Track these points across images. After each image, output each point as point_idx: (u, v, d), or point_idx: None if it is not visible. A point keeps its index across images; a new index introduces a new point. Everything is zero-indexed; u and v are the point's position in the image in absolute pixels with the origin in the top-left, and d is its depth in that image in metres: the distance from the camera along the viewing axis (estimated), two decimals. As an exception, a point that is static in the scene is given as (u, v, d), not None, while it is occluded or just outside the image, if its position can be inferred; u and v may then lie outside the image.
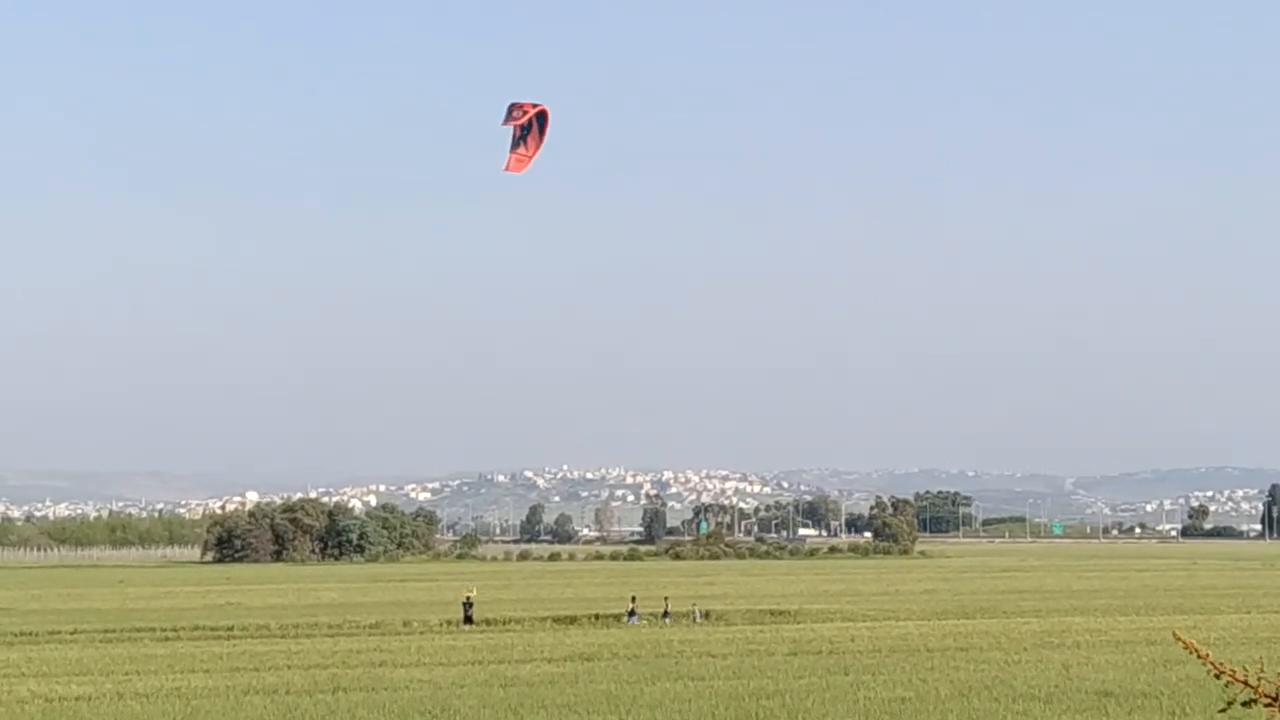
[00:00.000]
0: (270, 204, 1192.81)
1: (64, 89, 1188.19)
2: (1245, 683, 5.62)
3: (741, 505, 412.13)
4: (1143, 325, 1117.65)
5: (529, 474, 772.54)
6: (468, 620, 68.73)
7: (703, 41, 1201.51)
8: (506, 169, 33.51)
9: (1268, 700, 5.61)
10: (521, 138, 33.58)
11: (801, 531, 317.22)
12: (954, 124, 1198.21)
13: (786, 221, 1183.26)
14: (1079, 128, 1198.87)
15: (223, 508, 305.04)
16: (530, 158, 33.56)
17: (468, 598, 71.49)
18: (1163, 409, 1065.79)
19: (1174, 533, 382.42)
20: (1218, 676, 5.67)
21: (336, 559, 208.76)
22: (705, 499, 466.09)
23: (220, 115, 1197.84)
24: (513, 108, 33.56)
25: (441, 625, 69.27)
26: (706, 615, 72.45)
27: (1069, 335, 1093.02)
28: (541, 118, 33.68)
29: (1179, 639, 6.08)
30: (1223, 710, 5.83)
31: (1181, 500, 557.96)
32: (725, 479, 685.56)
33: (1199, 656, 5.86)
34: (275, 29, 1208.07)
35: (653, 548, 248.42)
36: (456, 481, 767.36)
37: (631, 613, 71.32)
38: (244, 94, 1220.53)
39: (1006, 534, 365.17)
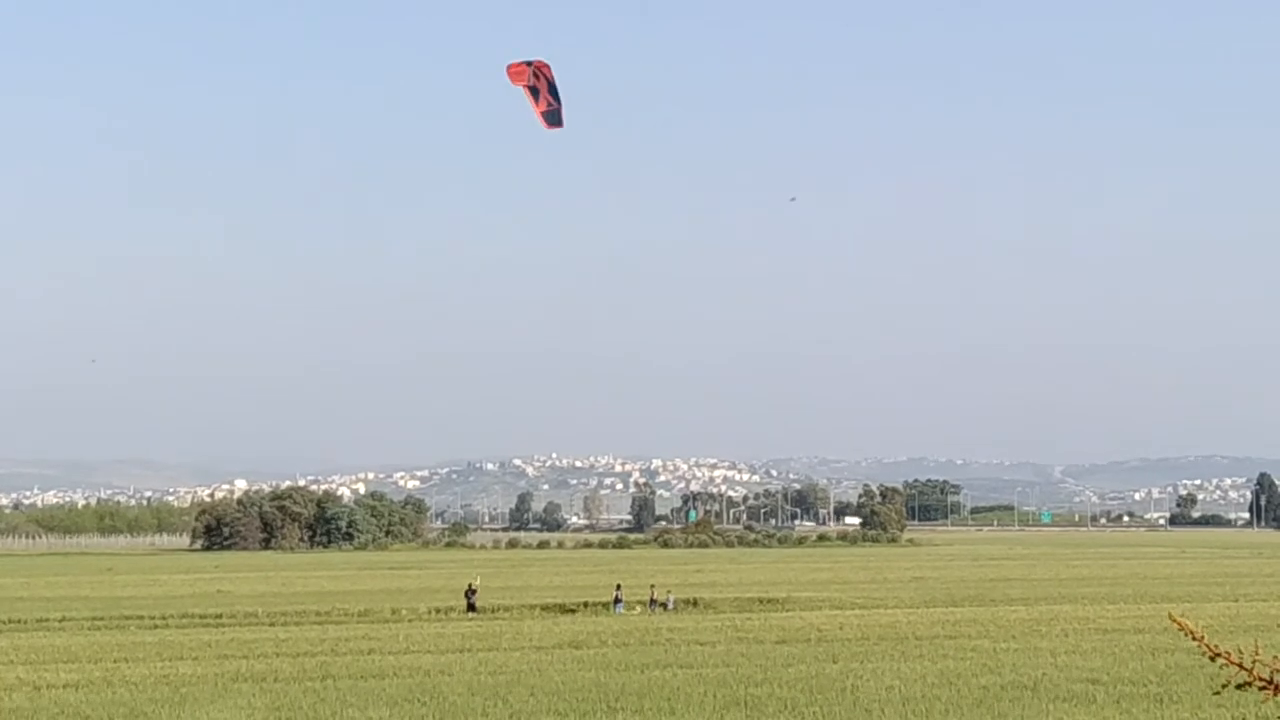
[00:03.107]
0: (260, 199, 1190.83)
1: (62, 86, 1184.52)
2: (1240, 665, 5.59)
3: (730, 494, 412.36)
4: (1131, 315, 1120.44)
5: (518, 462, 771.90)
6: (471, 608, 68.70)
7: (701, 40, 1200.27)
8: (548, 126, 33.57)
9: (1262, 684, 5.59)
10: (538, 94, 33.60)
11: (848, 520, 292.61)
12: (948, 124, 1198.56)
13: (776, 217, 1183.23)
14: (1070, 128, 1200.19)
15: (211, 495, 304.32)
16: (557, 109, 33.52)
17: (471, 585, 71.50)
18: (1151, 398, 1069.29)
19: (1162, 521, 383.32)
20: (1213, 659, 5.65)
21: (325, 547, 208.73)
22: (694, 487, 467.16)
23: (220, 113, 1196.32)
24: (513, 70, 33.50)
25: (430, 613, 69.29)
26: (693, 603, 72.58)
27: (1058, 325, 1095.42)
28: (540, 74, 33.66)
29: (1175, 620, 6.05)
30: (1216, 693, 5.80)
31: (1170, 489, 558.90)
32: (714, 467, 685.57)
33: (1195, 639, 5.84)
34: (276, 27, 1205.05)
35: (642, 536, 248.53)
36: (445, 469, 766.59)
37: (617, 600, 71.53)
38: (242, 93, 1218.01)
39: (995, 522, 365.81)
